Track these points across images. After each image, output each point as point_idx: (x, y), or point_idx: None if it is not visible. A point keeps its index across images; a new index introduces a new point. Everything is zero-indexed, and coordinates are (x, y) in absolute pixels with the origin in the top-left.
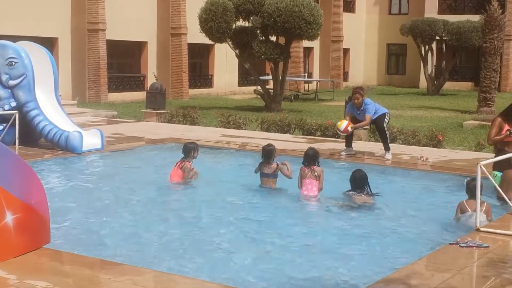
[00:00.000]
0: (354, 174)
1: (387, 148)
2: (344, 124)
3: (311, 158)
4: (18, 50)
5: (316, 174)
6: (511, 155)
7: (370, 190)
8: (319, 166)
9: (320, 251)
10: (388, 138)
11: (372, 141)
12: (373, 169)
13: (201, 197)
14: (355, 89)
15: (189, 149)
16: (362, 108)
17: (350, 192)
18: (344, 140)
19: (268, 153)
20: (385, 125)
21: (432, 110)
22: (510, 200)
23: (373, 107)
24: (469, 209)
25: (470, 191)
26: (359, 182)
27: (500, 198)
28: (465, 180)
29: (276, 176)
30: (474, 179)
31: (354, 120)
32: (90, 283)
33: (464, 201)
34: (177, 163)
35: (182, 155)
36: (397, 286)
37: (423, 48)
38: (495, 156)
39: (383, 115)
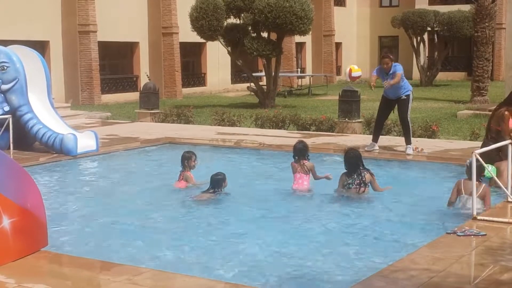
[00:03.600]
0: (346, 154)
1: (408, 142)
2: (358, 73)
3: (299, 151)
4: (10, 54)
5: (306, 168)
6: (503, 143)
7: (364, 170)
8: (308, 160)
9: (317, 244)
10: (411, 130)
11: (366, 134)
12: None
13: (198, 198)
14: (384, 54)
15: (185, 159)
16: (391, 72)
17: (347, 182)
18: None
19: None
20: (408, 114)
21: (426, 101)
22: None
23: (401, 69)
24: (463, 191)
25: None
26: (352, 163)
27: (496, 186)
28: (468, 161)
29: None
30: (476, 161)
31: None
32: (89, 284)
33: (462, 181)
34: (179, 176)
35: (181, 166)
36: (396, 277)
37: (415, 39)
38: (482, 145)
39: (407, 98)
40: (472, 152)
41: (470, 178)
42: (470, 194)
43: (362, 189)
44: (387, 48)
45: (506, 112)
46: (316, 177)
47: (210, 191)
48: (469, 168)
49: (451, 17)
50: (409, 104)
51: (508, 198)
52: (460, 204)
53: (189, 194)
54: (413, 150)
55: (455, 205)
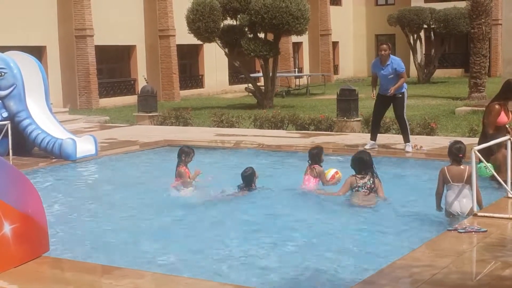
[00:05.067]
0: (359, 155)
1: (407, 140)
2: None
3: (312, 156)
4: (7, 60)
5: (315, 172)
6: (503, 139)
7: (375, 174)
8: (321, 165)
9: (319, 243)
10: (408, 128)
11: (365, 132)
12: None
13: (200, 198)
14: (382, 42)
15: (182, 153)
16: (388, 64)
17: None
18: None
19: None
20: (404, 112)
21: (424, 98)
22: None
23: (401, 62)
24: (450, 180)
25: (453, 154)
26: (366, 164)
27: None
28: (448, 142)
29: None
30: (457, 142)
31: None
32: None
33: (446, 168)
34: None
35: (177, 159)
36: (398, 274)
37: (412, 37)
38: (479, 141)
39: (402, 97)
40: (472, 149)
41: (453, 162)
42: (458, 181)
43: (370, 193)
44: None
45: (497, 106)
46: (324, 182)
47: (245, 188)
48: (451, 150)
49: (447, 14)
50: (405, 102)
51: (508, 194)
52: (447, 207)
53: (188, 194)
54: (412, 147)
55: (445, 206)
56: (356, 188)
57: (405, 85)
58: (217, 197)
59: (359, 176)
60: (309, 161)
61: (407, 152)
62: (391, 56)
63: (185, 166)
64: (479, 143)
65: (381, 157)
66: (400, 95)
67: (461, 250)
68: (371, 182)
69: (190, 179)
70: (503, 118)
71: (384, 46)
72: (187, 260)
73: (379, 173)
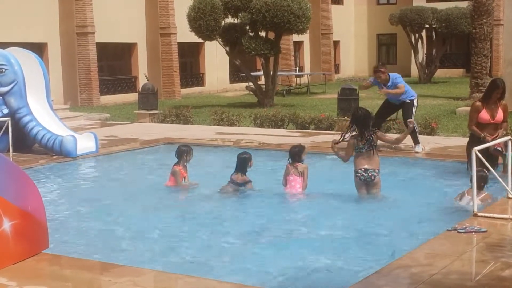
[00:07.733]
0: (357, 113)
1: (416, 141)
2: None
3: (293, 154)
4: (8, 56)
5: (299, 170)
6: (504, 139)
7: (371, 132)
8: (302, 163)
9: (317, 243)
10: (417, 130)
11: None
12: None
13: (197, 198)
14: (375, 68)
15: (181, 153)
16: (389, 84)
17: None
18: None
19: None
20: (413, 117)
21: (425, 98)
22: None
23: (402, 80)
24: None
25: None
26: (362, 122)
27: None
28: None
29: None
30: (480, 170)
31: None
32: (90, 286)
33: (466, 190)
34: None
35: (176, 158)
36: (397, 274)
37: (413, 36)
38: (469, 139)
39: (411, 102)
40: (472, 150)
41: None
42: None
43: (374, 154)
44: (380, 63)
45: (477, 103)
46: (304, 187)
47: (239, 174)
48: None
49: (449, 14)
50: (413, 109)
51: (508, 194)
52: (463, 203)
53: (185, 193)
54: (422, 148)
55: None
56: (359, 150)
57: (414, 94)
58: (216, 196)
59: (359, 137)
60: (290, 160)
61: (417, 152)
62: (390, 74)
63: (183, 166)
64: (469, 142)
65: (380, 157)
66: (409, 101)
67: (461, 251)
68: (370, 142)
69: (184, 183)
70: (483, 115)
71: (378, 74)
72: (186, 258)
73: (381, 173)
